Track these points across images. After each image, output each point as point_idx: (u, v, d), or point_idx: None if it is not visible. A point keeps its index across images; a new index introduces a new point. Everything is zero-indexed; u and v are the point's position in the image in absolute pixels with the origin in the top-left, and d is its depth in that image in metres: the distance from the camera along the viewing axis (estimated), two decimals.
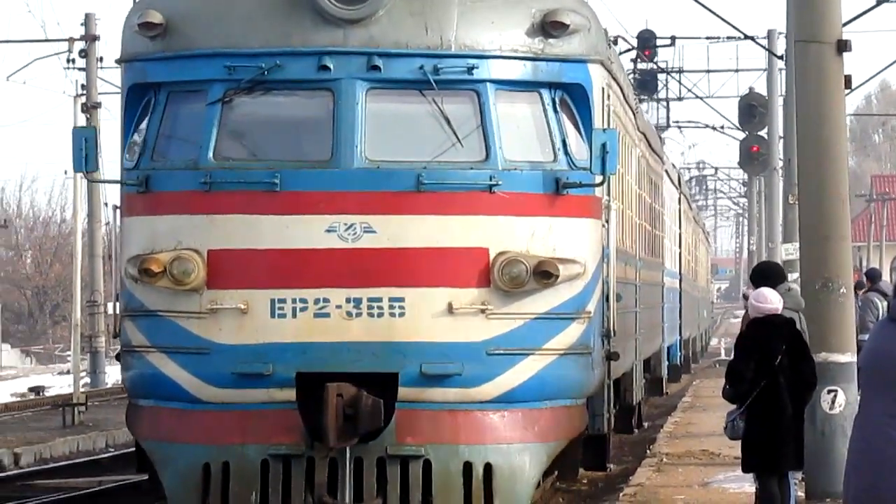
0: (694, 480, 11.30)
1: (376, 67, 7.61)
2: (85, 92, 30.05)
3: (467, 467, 7.57)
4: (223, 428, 7.76)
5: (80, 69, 30.35)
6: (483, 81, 7.75)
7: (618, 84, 10.25)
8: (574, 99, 8.01)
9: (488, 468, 7.61)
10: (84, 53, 29.63)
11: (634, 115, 13.39)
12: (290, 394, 7.56)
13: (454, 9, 7.72)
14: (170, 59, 8.06)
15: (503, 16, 7.93)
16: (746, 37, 21.81)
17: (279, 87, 7.86)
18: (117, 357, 8.48)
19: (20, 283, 40.15)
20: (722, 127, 31.90)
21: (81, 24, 30.71)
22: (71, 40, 30.17)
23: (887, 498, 2.34)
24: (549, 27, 7.70)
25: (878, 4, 17.50)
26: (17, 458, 15.02)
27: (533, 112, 7.97)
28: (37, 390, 27.81)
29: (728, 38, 25.27)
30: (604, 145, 7.55)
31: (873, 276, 16.00)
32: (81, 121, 23.69)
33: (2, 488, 12.34)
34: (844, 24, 9.75)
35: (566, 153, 7.84)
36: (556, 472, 9.78)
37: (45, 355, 44.12)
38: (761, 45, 23.22)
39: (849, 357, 8.42)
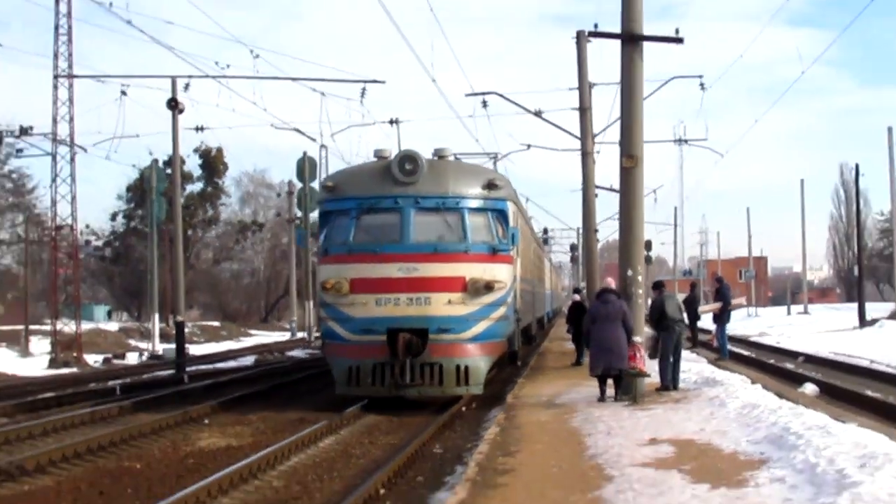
0: (558, 346, 27.57)
1: (418, 202, 14.66)
2: None
3: (458, 367, 14.23)
4: (357, 352, 14.39)
5: None
6: (463, 208, 14.76)
7: (521, 212, 18.46)
8: (501, 216, 15.19)
9: (467, 367, 14.30)
10: None
11: (531, 229, 24.78)
12: (384, 338, 14.15)
13: (450, 178, 14.97)
14: (335, 200, 15.25)
15: (471, 181, 15.20)
16: (573, 228, 58.30)
17: (379, 211, 14.77)
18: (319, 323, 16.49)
19: None
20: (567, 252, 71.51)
21: None
22: None
23: (602, 343, 13.31)
24: (490, 186, 15.12)
25: (612, 217, 38.78)
26: None
27: (484, 221, 14.97)
28: None
29: (569, 229, 60.61)
30: (513, 234, 15.36)
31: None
32: None
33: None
34: (599, 223, 25.13)
35: (497, 237, 15.02)
36: (496, 368, 16.88)
37: None
38: (574, 230, 59.41)
39: None
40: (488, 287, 14.79)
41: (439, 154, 15.90)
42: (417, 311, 14.59)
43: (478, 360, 14.85)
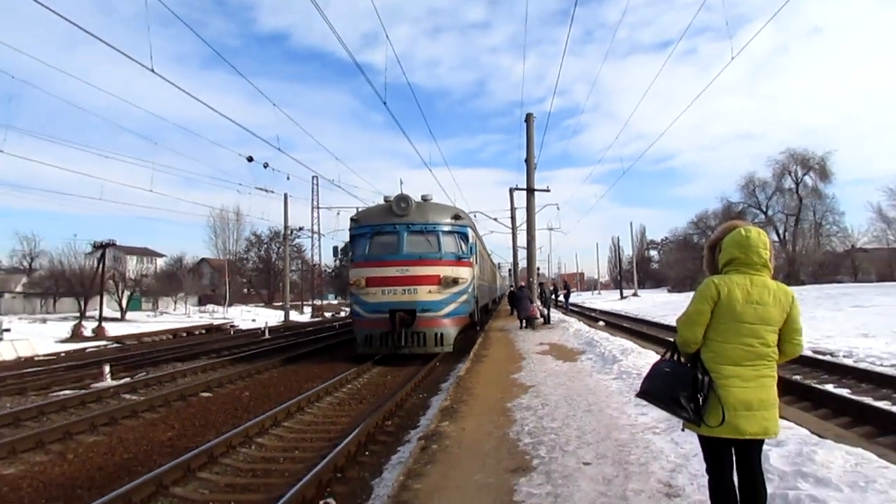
0: (504, 308, 47.76)
1: (409, 227, 21.30)
2: None
3: (436, 334, 20.11)
4: (371, 324, 20.21)
5: None
6: (439, 231, 21.45)
7: (478, 236, 25.76)
8: (463, 236, 22.11)
9: (442, 334, 20.22)
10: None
11: (486, 250, 32.32)
12: (387, 315, 19.92)
13: (430, 212, 21.84)
14: (358, 227, 22.05)
15: (444, 214, 22.17)
16: (509, 262, 71.83)
17: (384, 233, 21.32)
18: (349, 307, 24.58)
19: None
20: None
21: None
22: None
23: (521, 307, 24.89)
24: (456, 217, 22.24)
25: (523, 258, 53.57)
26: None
27: (452, 240, 21.72)
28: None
29: (507, 262, 75.28)
30: (471, 247, 22.86)
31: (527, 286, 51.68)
32: None
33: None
34: (520, 260, 37.79)
35: (461, 249, 21.97)
36: (461, 333, 23.26)
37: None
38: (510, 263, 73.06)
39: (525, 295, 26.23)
40: (455, 281, 21.43)
41: (424, 197, 23.39)
42: (409, 297, 20.27)
43: (449, 329, 20.78)
